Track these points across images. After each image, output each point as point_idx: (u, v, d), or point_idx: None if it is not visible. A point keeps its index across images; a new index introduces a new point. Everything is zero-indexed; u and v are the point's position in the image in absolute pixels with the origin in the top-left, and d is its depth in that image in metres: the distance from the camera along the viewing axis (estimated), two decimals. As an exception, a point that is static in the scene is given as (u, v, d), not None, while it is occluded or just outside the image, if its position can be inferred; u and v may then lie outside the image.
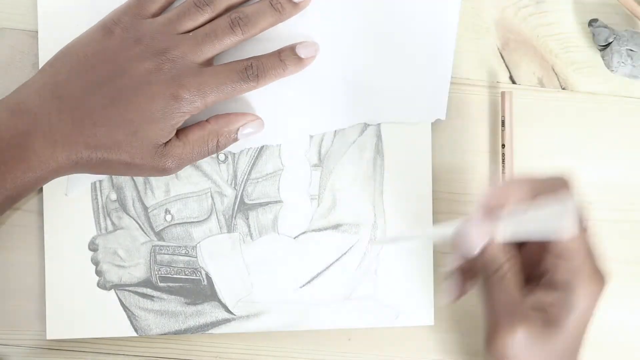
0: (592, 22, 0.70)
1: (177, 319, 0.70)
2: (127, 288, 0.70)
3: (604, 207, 0.73)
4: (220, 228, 0.70)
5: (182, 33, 0.65)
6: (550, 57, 0.72)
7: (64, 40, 0.66)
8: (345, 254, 0.70)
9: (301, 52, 0.67)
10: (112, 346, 0.70)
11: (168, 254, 0.70)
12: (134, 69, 0.63)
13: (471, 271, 0.62)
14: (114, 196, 0.70)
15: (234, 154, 0.70)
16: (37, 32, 0.69)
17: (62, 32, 0.67)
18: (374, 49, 0.69)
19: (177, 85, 0.63)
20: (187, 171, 0.69)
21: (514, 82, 0.72)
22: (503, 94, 0.71)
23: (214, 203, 0.70)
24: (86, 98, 0.63)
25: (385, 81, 0.70)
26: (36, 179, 0.63)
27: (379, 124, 0.70)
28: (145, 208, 0.70)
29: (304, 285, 0.70)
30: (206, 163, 0.70)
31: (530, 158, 0.72)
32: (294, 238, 0.70)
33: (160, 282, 0.70)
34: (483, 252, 0.58)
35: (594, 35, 0.70)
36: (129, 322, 0.70)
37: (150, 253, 0.70)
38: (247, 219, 0.70)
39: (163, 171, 0.65)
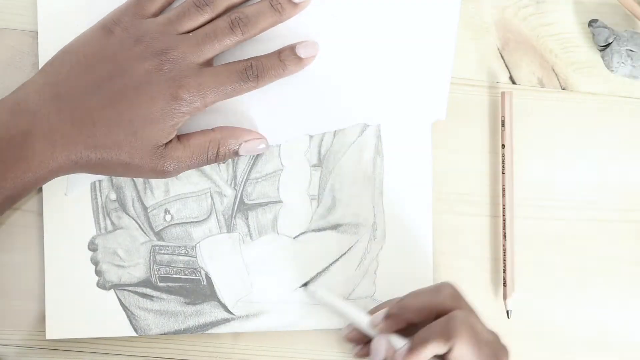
0: (592, 22, 0.70)
1: (177, 318, 0.70)
2: (126, 288, 0.70)
3: (604, 207, 0.73)
4: (219, 228, 0.70)
5: (182, 33, 0.65)
6: (550, 57, 0.72)
7: (64, 40, 0.66)
8: (344, 254, 0.70)
9: (301, 52, 0.67)
10: (112, 346, 0.70)
11: (168, 254, 0.70)
12: (133, 69, 0.63)
13: None
14: (113, 196, 0.70)
15: (234, 154, 0.70)
16: (37, 32, 0.69)
17: (62, 32, 0.67)
18: (374, 49, 0.69)
19: (176, 86, 0.63)
20: (187, 171, 0.69)
21: (514, 82, 0.72)
22: (503, 94, 0.71)
23: (213, 203, 0.70)
24: (86, 98, 0.63)
25: (385, 81, 0.70)
26: (36, 179, 0.63)
27: (379, 124, 0.70)
28: (144, 208, 0.70)
29: (304, 285, 0.70)
30: (206, 163, 0.70)
31: (530, 158, 0.72)
32: (294, 238, 0.70)
33: (160, 282, 0.70)
34: None
35: (594, 35, 0.70)
36: (128, 322, 0.70)
37: (150, 253, 0.70)
38: (247, 219, 0.70)
39: (162, 173, 0.65)
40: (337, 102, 0.70)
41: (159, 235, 0.70)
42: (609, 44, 0.69)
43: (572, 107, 0.73)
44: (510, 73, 0.72)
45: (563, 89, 0.73)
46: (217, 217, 0.70)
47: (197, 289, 0.70)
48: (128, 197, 0.70)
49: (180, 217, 0.70)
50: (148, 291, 0.70)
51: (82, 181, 0.69)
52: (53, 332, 0.69)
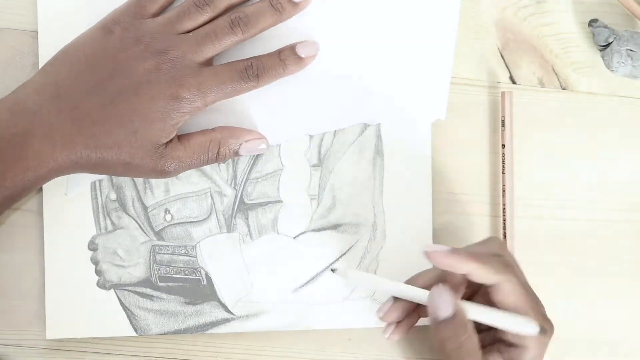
0: (592, 22, 0.70)
1: (177, 318, 0.70)
2: (126, 288, 0.70)
3: (604, 207, 0.73)
4: (220, 228, 0.70)
5: (182, 33, 0.65)
6: (550, 57, 0.72)
7: (64, 40, 0.66)
8: (345, 253, 0.70)
9: (301, 51, 0.67)
10: (112, 346, 0.70)
11: (168, 253, 0.70)
12: (133, 69, 0.63)
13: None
14: (113, 196, 0.70)
15: (234, 153, 0.70)
16: (37, 32, 0.69)
17: (62, 32, 0.67)
18: (374, 49, 0.69)
19: (177, 85, 0.63)
20: (187, 171, 0.69)
21: (514, 82, 0.72)
22: (503, 94, 0.71)
23: (213, 203, 0.70)
24: (86, 98, 0.63)
25: (386, 81, 0.70)
26: (36, 179, 0.63)
27: (378, 124, 0.70)
28: (144, 208, 0.70)
29: (303, 285, 0.70)
30: (206, 163, 0.70)
31: (530, 158, 0.72)
32: (294, 238, 0.70)
33: (160, 281, 0.70)
34: (451, 321, 0.60)
35: (594, 35, 0.70)
36: (128, 322, 0.70)
37: (150, 253, 0.70)
38: (247, 218, 0.70)
39: (162, 173, 0.65)
40: (337, 102, 0.70)
41: (159, 235, 0.70)
42: (609, 44, 0.69)
43: (572, 107, 0.73)
44: (510, 73, 0.72)
45: (563, 89, 0.73)
46: (217, 216, 0.70)
47: (197, 289, 0.70)
48: (128, 197, 0.70)
49: (181, 216, 0.70)
50: (148, 291, 0.70)
51: (82, 181, 0.69)
52: (53, 332, 0.69)
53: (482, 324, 0.62)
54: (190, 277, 0.70)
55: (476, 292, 0.65)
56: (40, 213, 0.69)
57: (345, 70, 0.69)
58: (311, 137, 0.70)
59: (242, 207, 0.70)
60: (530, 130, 0.72)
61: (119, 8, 0.66)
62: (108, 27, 0.65)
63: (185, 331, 0.70)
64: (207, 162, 0.66)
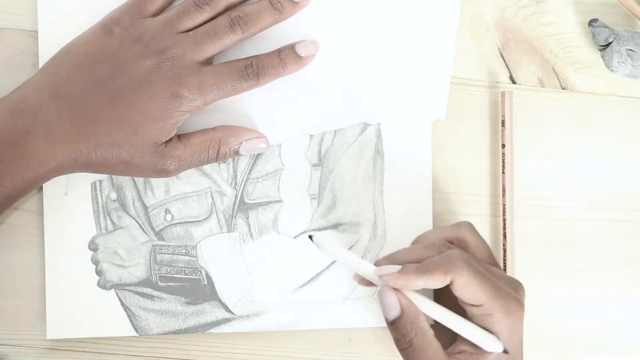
0: (592, 22, 0.71)
1: (177, 318, 0.70)
2: (127, 288, 0.70)
3: (604, 207, 0.73)
4: (220, 228, 0.70)
5: (181, 32, 0.65)
6: (550, 57, 0.72)
7: (64, 40, 0.66)
8: (345, 253, 0.70)
9: (301, 51, 0.67)
10: (112, 346, 0.70)
11: (168, 253, 0.70)
12: (133, 68, 0.63)
13: None
14: (114, 196, 0.70)
15: (234, 153, 0.70)
16: (37, 32, 0.69)
17: (62, 32, 0.67)
18: (374, 49, 0.70)
19: (176, 84, 0.63)
20: (187, 170, 0.69)
21: (514, 82, 0.72)
22: (503, 94, 0.71)
23: (214, 202, 0.70)
24: (86, 97, 0.63)
25: (386, 81, 0.70)
26: (35, 178, 0.63)
27: (379, 124, 0.70)
28: (145, 207, 0.70)
29: (304, 285, 0.70)
30: (206, 162, 0.70)
31: (530, 158, 0.72)
32: (294, 238, 0.70)
33: (161, 281, 0.70)
34: (400, 321, 0.61)
35: (594, 35, 0.70)
36: (129, 322, 0.70)
37: (151, 253, 0.70)
38: (247, 218, 0.70)
39: (162, 172, 0.65)
40: (337, 102, 0.70)
41: (159, 234, 0.70)
42: (609, 43, 0.70)
43: (572, 107, 0.73)
44: (510, 73, 0.72)
45: (563, 89, 0.73)
46: (217, 216, 0.70)
47: (197, 289, 0.70)
48: (128, 197, 0.70)
49: (181, 216, 0.70)
50: (149, 291, 0.70)
51: (83, 181, 0.69)
52: (53, 332, 0.69)
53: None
54: (191, 277, 0.70)
55: None
56: (40, 213, 0.69)
57: (345, 70, 0.69)
58: (311, 136, 0.70)
59: (243, 206, 0.70)
60: (530, 130, 0.72)
61: (118, 8, 0.66)
62: (108, 27, 0.65)
63: (185, 331, 0.70)
64: (208, 161, 0.66)
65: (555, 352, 0.73)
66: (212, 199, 0.70)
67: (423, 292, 0.62)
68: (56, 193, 0.69)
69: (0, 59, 0.69)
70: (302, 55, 0.67)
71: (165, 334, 0.70)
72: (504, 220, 0.71)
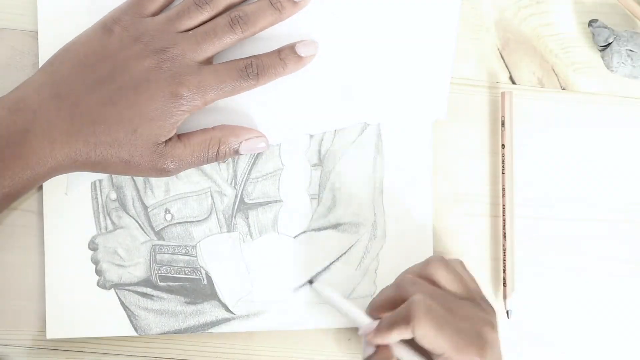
0: (592, 22, 0.71)
1: (177, 318, 0.70)
2: (127, 287, 0.70)
3: (604, 207, 0.73)
4: (220, 227, 0.70)
5: (181, 32, 0.65)
6: (550, 57, 0.72)
7: (64, 40, 0.66)
8: (345, 253, 0.70)
9: (301, 50, 0.67)
10: (112, 346, 0.70)
11: (168, 253, 0.70)
12: (133, 68, 0.63)
13: None
14: (113, 195, 0.70)
15: (234, 153, 0.70)
16: (37, 32, 0.69)
17: (62, 32, 0.67)
18: (374, 49, 0.70)
19: (176, 84, 0.63)
20: (187, 170, 0.69)
21: (514, 82, 0.72)
22: (503, 94, 0.71)
23: (213, 202, 0.70)
24: (85, 96, 0.63)
25: (386, 81, 0.70)
26: (35, 177, 0.63)
27: (379, 124, 0.70)
28: (145, 207, 0.70)
29: (303, 285, 0.70)
30: (206, 162, 0.70)
31: (530, 158, 0.72)
32: (294, 237, 0.70)
33: (160, 281, 0.70)
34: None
35: (594, 35, 0.70)
36: (129, 322, 0.70)
37: (150, 252, 0.70)
38: (247, 218, 0.70)
39: (161, 171, 0.65)
40: (337, 102, 0.70)
41: (159, 234, 0.70)
42: (609, 44, 0.70)
43: (572, 108, 0.73)
44: (510, 73, 0.72)
45: (563, 89, 0.73)
46: (217, 216, 0.70)
47: (197, 289, 0.70)
48: (128, 197, 0.70)
49: (181, 216, 0.70)
50: (148, 291, 0.70)
51: (82, 180, 0.69)
52: (53, 331, 0.69)
53: None
54: (191, 276, 0.70)
55: None
56: (40, 213, 0.69)
57: (345, 70, 0.69)
58: (311, 136, 0.70)
59: (243, 206, 0.70)
60: (530, 130, 0.72)
61: (118, 7, 0.66)
62: (108, 26, 0.65)
63: (185, 331, 0.70)
64: (207, 161, 0.66)
65: (556, 352, 0.73)
66: (212, 198, 0.70)
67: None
68: (56, 193, 0.69)
69: (0, 59, 0.69)
70: (302, 55, 0.67)
71: (165, 333, 0.70)
72: (504, 220, 0.71)
